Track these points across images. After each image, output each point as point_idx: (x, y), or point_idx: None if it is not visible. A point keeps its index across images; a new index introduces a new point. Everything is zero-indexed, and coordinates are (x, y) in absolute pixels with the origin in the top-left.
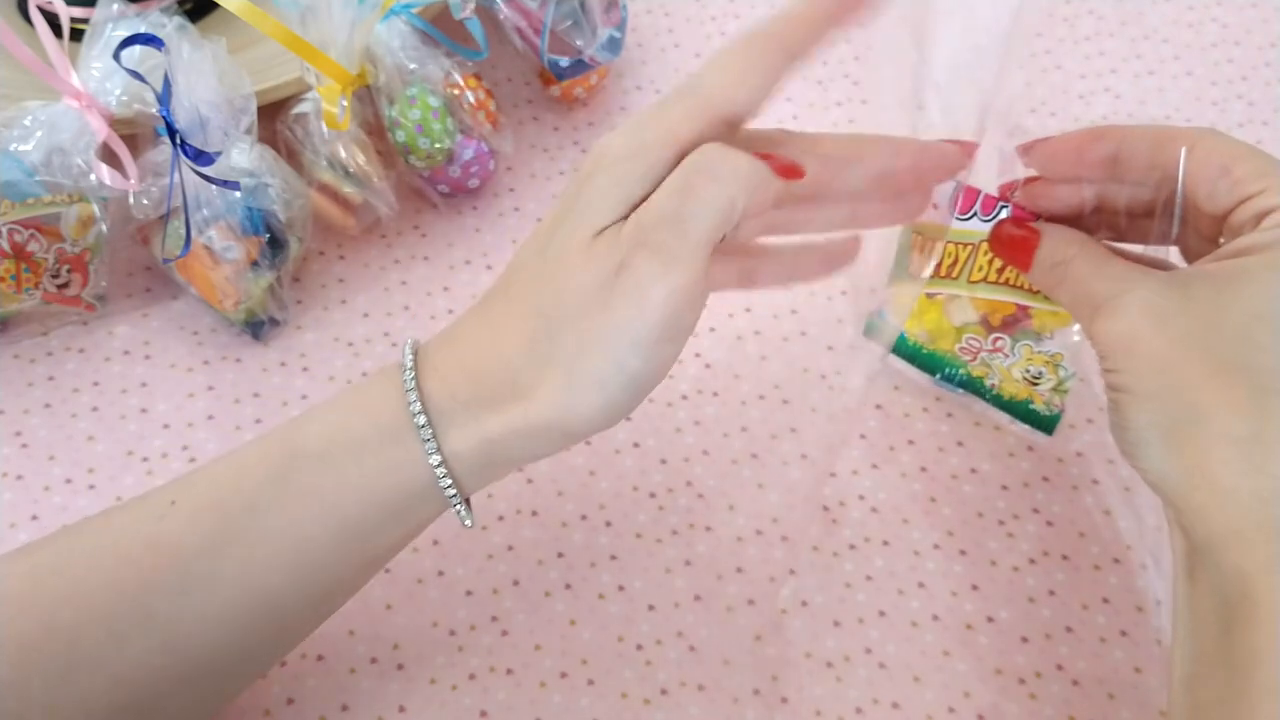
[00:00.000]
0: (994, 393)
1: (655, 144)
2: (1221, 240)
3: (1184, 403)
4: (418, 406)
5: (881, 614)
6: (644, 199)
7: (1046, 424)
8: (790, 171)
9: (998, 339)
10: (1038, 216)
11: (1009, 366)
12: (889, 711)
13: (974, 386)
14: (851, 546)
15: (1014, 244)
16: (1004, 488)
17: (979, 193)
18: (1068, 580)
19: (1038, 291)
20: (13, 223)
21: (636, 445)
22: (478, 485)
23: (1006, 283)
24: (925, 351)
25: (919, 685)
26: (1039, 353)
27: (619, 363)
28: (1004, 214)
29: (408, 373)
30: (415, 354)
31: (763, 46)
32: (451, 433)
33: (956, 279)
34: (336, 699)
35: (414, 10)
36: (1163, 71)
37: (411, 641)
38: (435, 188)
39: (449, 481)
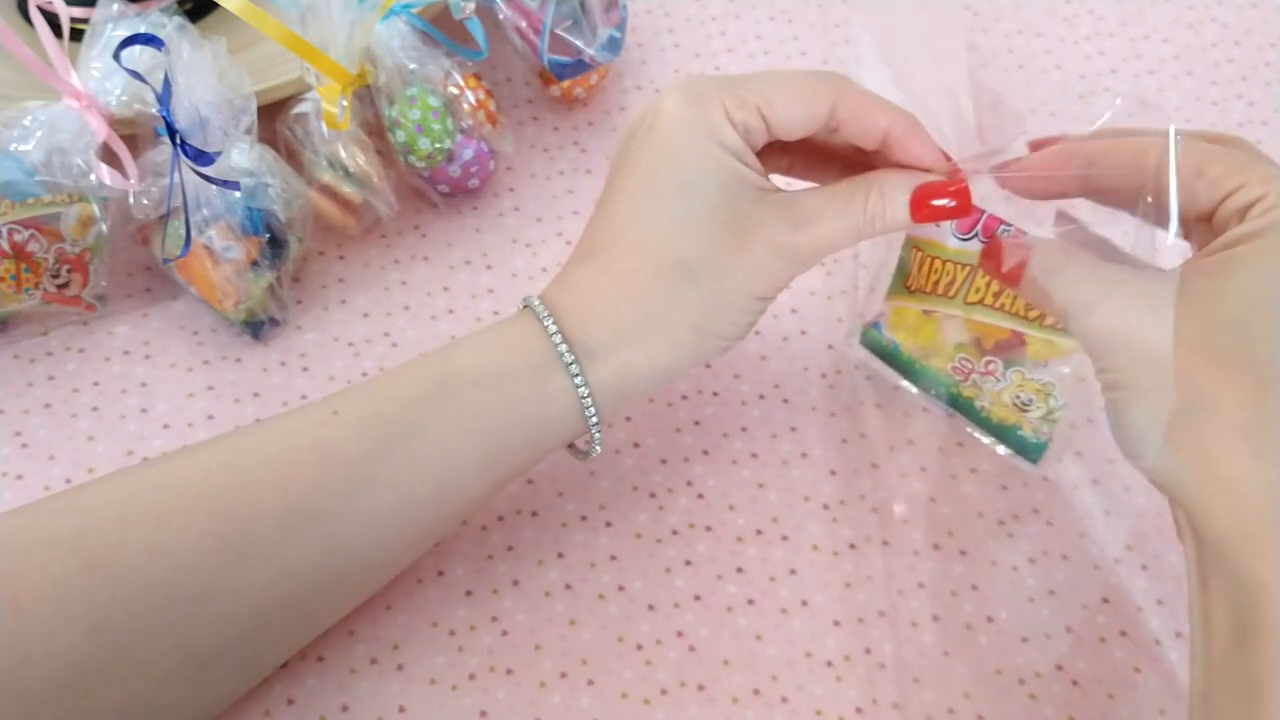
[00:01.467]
0: (983, 415)
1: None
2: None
3: (1184, 395)
4: (564, 346)
5: (881, 614)
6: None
7: (1033, 451)
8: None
9: (990, 362)
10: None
11: (1000, 391)
12: (889, 711)
13: (963, 407)
14: (851, 546)
15: (1002, 260)
16: (1004, 488)
17: (982, 213)
18: (1068, 580)
19: (1034, 318)
20: (13, 223)
21: (636, 445)
22: (614, 413)
23: (1003, 308)
24: (918, 366)
25: (919, 685)
26: (1030, 380)
27: (748, 299)
28: (1005, 238)
29: (546, 319)
30: (542, 303)
31: (822, 88)
32: (596, 366)
33: (953, 299)
34: (336, 699)
35: (414, 10)
36: (1163, 71)
37: (411, 641)
38: (435, 188)
39: (593, 409)
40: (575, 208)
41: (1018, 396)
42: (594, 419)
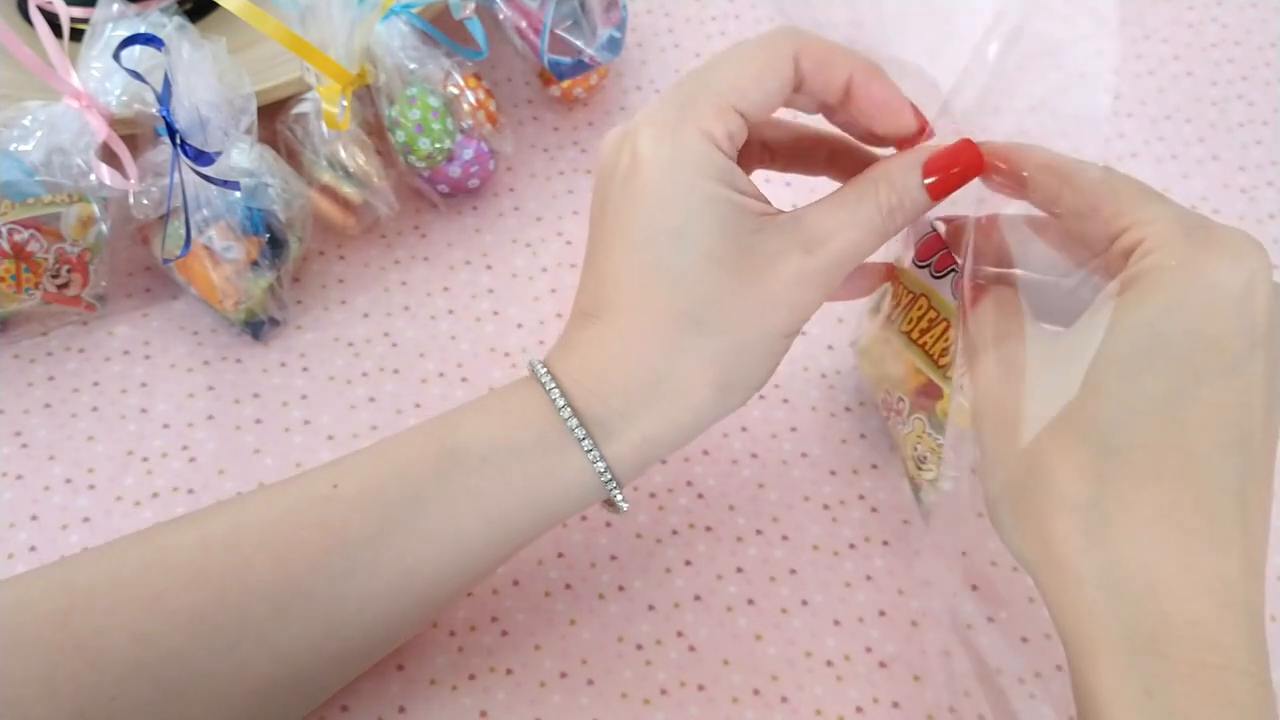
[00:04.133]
0: (904, 464)
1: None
2: None
3: (1027, 465)
4: (574, 421)
5: (881, 613)
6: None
7: (927, 518)
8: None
9: (901, 400)
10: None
11: (904, 436)
12: (889, 711)
13: (899, 448)
14: (851, 546)
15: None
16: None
17: (943, 246)
18: None
19: (943, 365)
20: (13, 223)
21: None
22: (636, 476)
23: (923, 345)
24: (874, 397)
25: (919, 684)
26: (929, 435)
27: (771, 339)
28: (950, 279)
29: (552, 390)
30: (547, 370)
31: (781, 51)
32: (611, 440)
33: (892, 322)
34: (336, 699)
35: (414, 10)
36: (1163, 71)
37: (411, 642)
38: (435, 188)
39: (613, 483)
40: (575, 208)
41: (915, 448)
42: (615, 490)
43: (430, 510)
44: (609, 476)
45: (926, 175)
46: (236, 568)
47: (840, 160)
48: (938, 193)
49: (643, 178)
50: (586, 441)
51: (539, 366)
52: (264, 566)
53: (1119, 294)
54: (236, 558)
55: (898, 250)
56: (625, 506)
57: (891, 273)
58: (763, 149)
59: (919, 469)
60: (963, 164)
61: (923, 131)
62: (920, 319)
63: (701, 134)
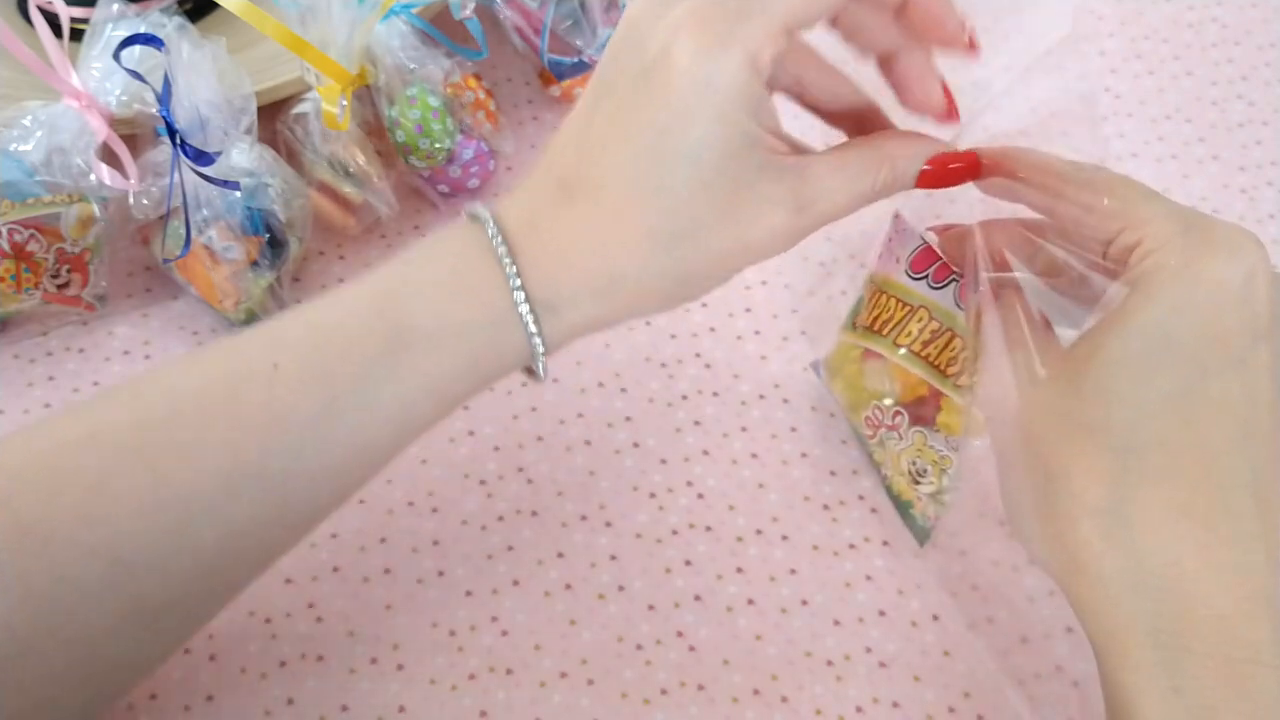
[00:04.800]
0: (886, 483)
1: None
2: None
3: (1044, 471)
4: (526, 308)
5: (882, 613)
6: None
7: (920, 535)
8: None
9: (897, 414)
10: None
11: (899, 451)
12: (889, 711)
13: (876, 469)
14: (851, 546)
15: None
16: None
17: (938, 257)
18: None
19: (950, 374)
20: (13, 223)
21: (636, 445)
22: (561, 348)
23: (927, 358)
24: (845, 417)
25: (919, 685)
26: (930, 447)
27: (730, 271)
28: (951, 289)
29: (513, 277)
30: (508, 251)
31: None
32: (554, 319)
33: (885, 337)
34: (336, 699)
35: (414, 10)
36: (1163, 71)
37: (411, 641)
38: (435, 188)
39: (543, 357)
40: None
41: (914, 462)
42: (542, 362)
43: (379, 391)
44: (542, 351)
45: (926, 164)
46: (182, 448)
47: (864, 128)
48: (924, 183)
49: (670, 85)
50: (534, 324)
51: (499, 244)
52: (211, 447)
53: (1123, 296)
54: (181, 437)
55: (890, 271)
56: (543, 376)
57: (876, 289)
58: (796, 82)
59: (916, 483)
60: (963, 164)
61: (951, 113)
62: (921, 332)
63: (747, 60)
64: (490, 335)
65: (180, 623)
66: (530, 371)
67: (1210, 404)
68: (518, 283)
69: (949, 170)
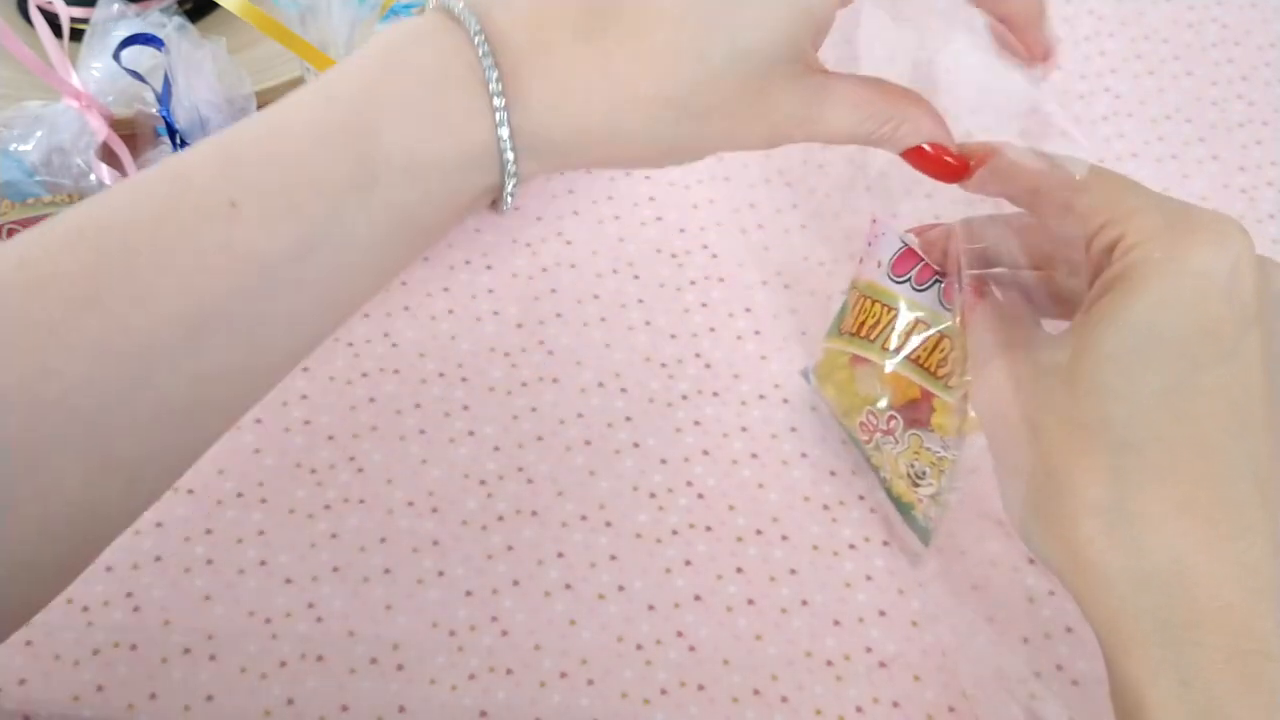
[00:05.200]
0: (886, 486)
1: None
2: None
3: (1046, 471)
4: (510, 151)
5: (882, 613)
6: None
7: (923, 537)
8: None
9: (892, 418)
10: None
11: (897, 455)
12: (889, 711)
13: (875, 472)
14: (851, 546)
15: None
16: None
17: (919, 259)
18: None
19: (941, 376)
20: (13, 223)
21: (636, 445)
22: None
23: (916, 360)
24: (838, 421)
25: (919, 684)
26: (927, 449)
27: (711, 153)
28: (935, 290)
29: (498, 102)
30: (502, 91)
31: None
32: (533, 164)
33: (873, 342)
34: (336, 699)
35: (413, 11)
36: (1163, 71)
37: (411, 641)
38: None
39: (512, 196)
40: (575, 208)
41: (912, 465)
42: (510, 197)
43: (352, 227)
44: (512, 188)
45: (927, 145)
46: (137, 294)
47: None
48: (912, 158)
49: None
50: (513, 167)
51: (490, 70)
52: (169, 292)
53: (1108, 291)
54: (137, 284)
55: (873, 276)
56: (507, 209)
57: (859, 295)
58: None
59: (915, 485)
60: (957, 163)
61: (1049, 57)
62: (905, 338)
63: None
64: (465, 171)
65: (158, 475)
66: (495, 204)
67: (1204, 397)
68: (504, 118)
69: (943, 161)
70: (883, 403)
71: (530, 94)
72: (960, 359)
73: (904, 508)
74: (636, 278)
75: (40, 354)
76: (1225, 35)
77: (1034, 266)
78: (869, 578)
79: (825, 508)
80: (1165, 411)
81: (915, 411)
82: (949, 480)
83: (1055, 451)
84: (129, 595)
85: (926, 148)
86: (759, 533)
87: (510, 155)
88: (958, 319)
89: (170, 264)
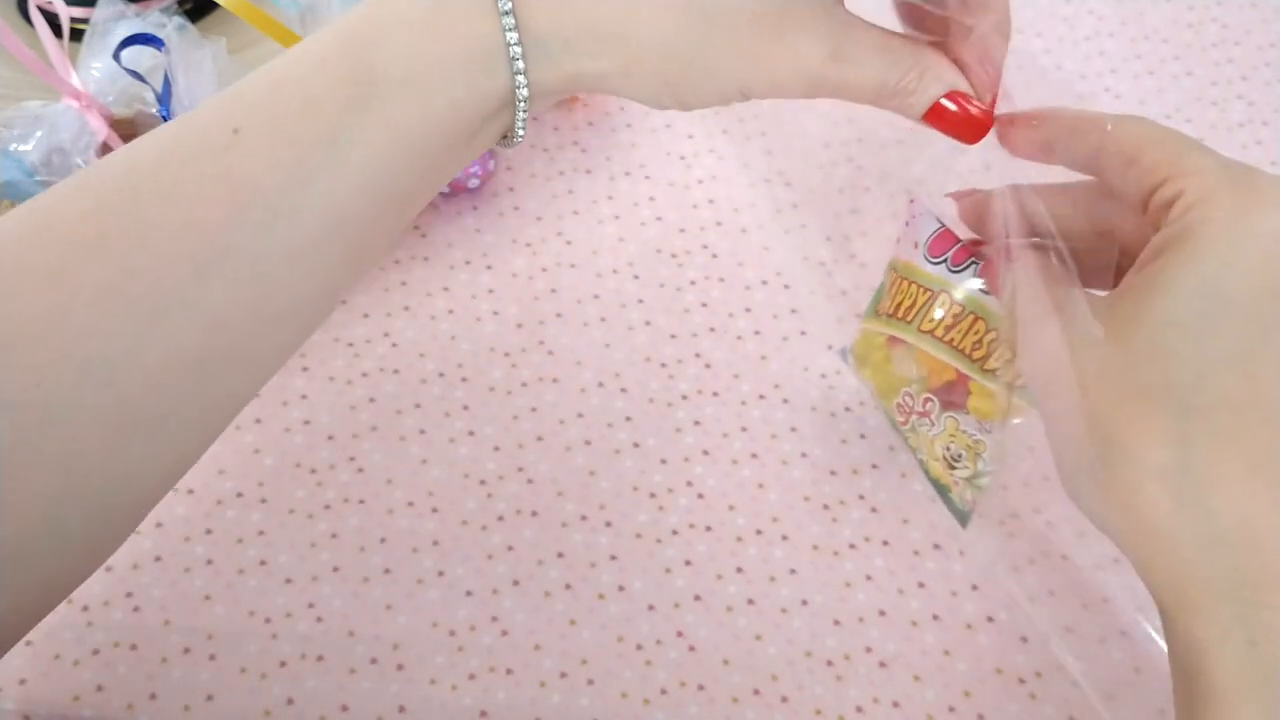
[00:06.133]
0: (924, 468)
1: None
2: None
3: (1105, 437)
4: (515, 37)
5: (882, 613)
6: None
7: (961, 518)
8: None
9: (928, 400)
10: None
11: (933, 437)
12: (889, 710)
13: (912, 453)
14: (851, 546)
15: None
16: (1004, 488)
17: (956, 240)
18: (1067, 580)
19: (977, 358)
20: None
21: (636, 445)
22: (541, 109)
23: (951, 342)
24: (882, 407)
25: (919, 684)
26: (963, 432)
27: (733, 86)
28: (971, 271)
29: (503, 1)
30: None
31: None
32: (544, 66)
33: (909, 323)
34: (336, 699)
35: None
36: (1163, 71)
37: (411, 641)
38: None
39: (524, 111)
40: (575, 208)
41: (948, 448)
42: (523, 119)
43: (349, 150)
44: (525, 97)
45: (942, 100)
46: (140, 233)
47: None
48: (933, 116)
49: None
50: (519, 63)
51: None
52: (171, 227)
53: (1165, 251)
54: (139, 222)
55: (910, 256)
56: (521, 137)
57: (897, 276)
58: None
59: (951, 468)
60: (982, 115)
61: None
62: (944, 316)
63: None
64: (469, 74)
65: (185, 432)
66: (505, 139)
67: (1274, 359)
68: (508, 6)
69: (967, 115)
70: (918, 384)
71: None
72: (1010, 329)
73: (941, 489)
74: (636, 278)
75: (44, 299)
76: (1225, 35)
77: (1078, 237)
78: (869, 578)
79: (825, 508)
80: (1233, 374)
81: (951, 394)
82: (985, 464)
83: (1113, 417)
84: (129, 595)
85: (947, 103)
86: (759, 533)
87: (518, 50)
88: (1001, 296)
89: (171, 198)
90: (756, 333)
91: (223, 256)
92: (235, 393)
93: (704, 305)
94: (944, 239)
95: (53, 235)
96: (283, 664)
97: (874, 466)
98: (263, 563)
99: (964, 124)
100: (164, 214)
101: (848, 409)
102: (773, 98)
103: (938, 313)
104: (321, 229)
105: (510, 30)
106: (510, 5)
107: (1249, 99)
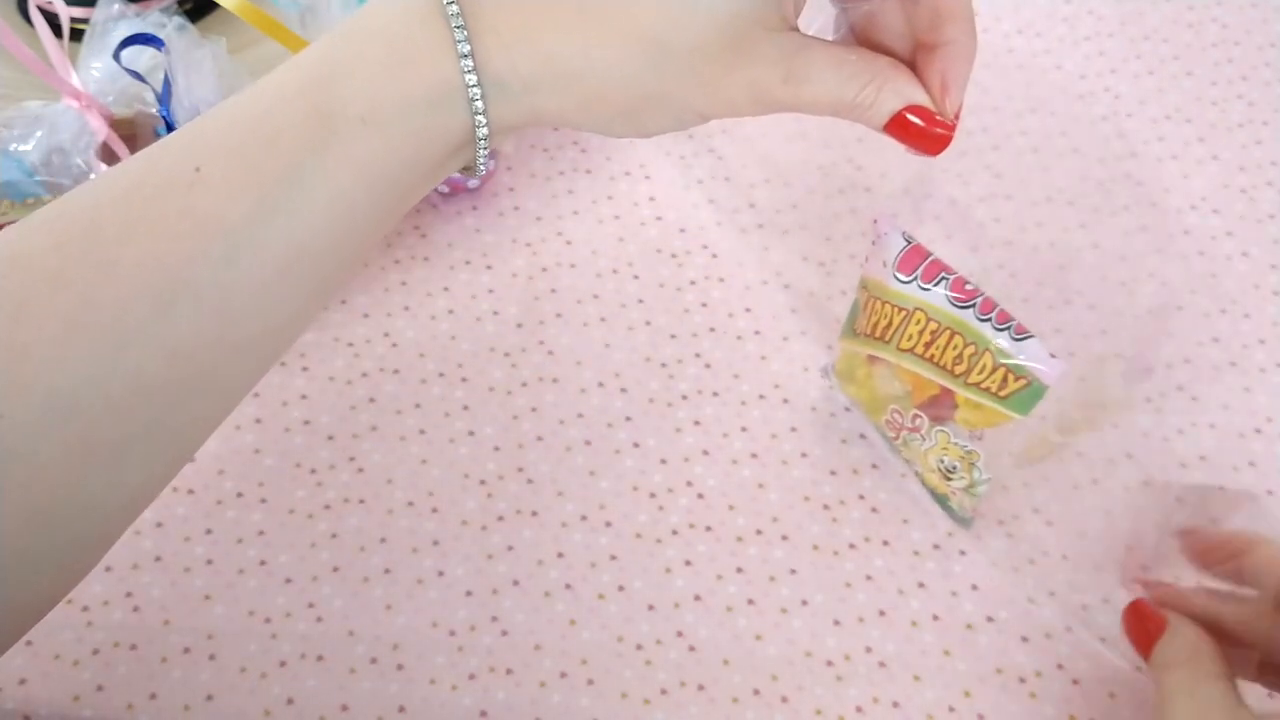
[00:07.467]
0: (920, 478)
1: None
2: None
3: None
4: (474, 79)
5: (881, 613)
6: None
7: (962, 523)
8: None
9: (916, 416)
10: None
11: (925, 451)
12: (889, 710)
13: (906, 465)
14: (851, 546)
15: (1136, 630)
16: (1004, 487)
17: (926, 256)
18: (1068, 580)
19: (959, 374)
20: (12, 223)
21: (636, 445)
22: (500, 141)
23: (931, 359)
24: (871, 421)
25: (919, 684)
26: (955, 444)
27: (691, 112)
28: (942, 287)
29: (462, 43)
30: (459, 13)
31: None
32: (503, 105)
33: (888, 343)
34: (336, 699)
35: None
36: (1163, 71)
37: (411, 641)
38: (435, 188)
39: (485, 147)
40: (575, 208)
41: (941, 460)
42: (483, 153)
43: (311, 188)
44: (485, 140)
45: (902, 113)
46: (103, 266)
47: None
48: (894, 128)
49: None
50: (480, 103)
51: (454, 13)
52: (134, 263)
53: None
54: (99, 256)
55: (879, 274)
56: (483, 170)
57: (869, 296)
58: None
59: (947, 479)
60: (946, 131)
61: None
62: (921, 333)
63: None
64: (428, 116)
65: (152, 457)
66: (467, 169)
67: None
68: (467, 49)
69: (927, 130)
70: (904, 401)
71: (494, 24)
72: (976, 354)
73: (940, 499)
74: (636, 278)
75: (9, 330)
76: (1225, 35)
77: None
78: (869, 578)
79: (825, 508)
80: None
81: (938, 408)
82: (980, 472)
83: None
84: (129, 595)
85: (911, 117)
86: (759, 533)
87: (477, 91)
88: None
89: (134, 234)
90: (756, 333)
91: (185, 290)
92: (200, 419)
93: (704, 305)
94: (913, 255)
95: (21, 265)
96: (283, 664)
97: (874, 466)
98: (263, 563)
99: (923, 137)
100: (126, 250)
101: (847, 409)
102: (733, 118)
103: (914, 330)
104: (284, 262)
105: (469, 72)
106: (469, 49)
107: (1249, 99)
